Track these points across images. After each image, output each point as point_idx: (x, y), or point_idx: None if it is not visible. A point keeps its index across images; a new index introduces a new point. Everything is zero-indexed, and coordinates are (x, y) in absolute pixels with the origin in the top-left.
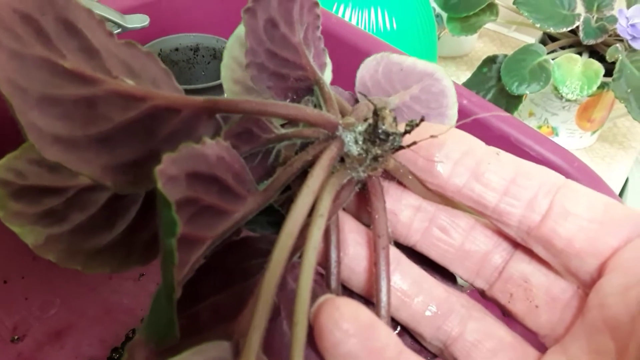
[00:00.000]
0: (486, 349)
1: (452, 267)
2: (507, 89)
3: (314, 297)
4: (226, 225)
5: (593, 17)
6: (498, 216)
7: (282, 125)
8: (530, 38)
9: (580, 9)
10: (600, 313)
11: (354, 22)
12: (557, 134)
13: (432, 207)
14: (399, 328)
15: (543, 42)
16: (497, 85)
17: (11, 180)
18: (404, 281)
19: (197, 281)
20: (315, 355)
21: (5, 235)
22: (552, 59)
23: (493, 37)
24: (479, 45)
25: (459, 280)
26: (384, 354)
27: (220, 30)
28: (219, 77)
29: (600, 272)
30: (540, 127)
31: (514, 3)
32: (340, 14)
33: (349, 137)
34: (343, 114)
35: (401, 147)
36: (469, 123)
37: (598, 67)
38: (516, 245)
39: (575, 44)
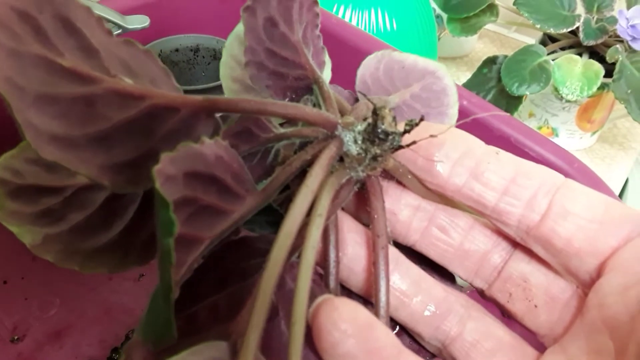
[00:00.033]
0: (485, 348)
1: (451, 267)
2: (507, 89)
3: (313, 297)
4: (224, 225)
5: (593, 18)
6: (497, 216)
7: (281, 125)
8: (531, 39)
9: (580, 9)
10: (599, 313)
11: (354, 23)
12: (557, 135)
13: (432, 207)
14: (397, 328)
15: (543, 43)
16: (497, 86)
17: (8, 179)
18: (403, 281)
19: (195, 281)
20: (313, 355)
21: (5, 236)
22: (552, 60)
23: (493, 37)
24: (479, 46)
25: (458, 280)
26: (382, 354)
27: (220, 31)
28: (219, 78)
29: (599, 272)
30: (540, 128)
31: (514, 4)
32: (340, 15)
33: (348, 137)
34: (342, 113)
35: (400, 147)
36: (469, 124)
37: (598, 68)
38: (515, 244)
39: (575, 45)
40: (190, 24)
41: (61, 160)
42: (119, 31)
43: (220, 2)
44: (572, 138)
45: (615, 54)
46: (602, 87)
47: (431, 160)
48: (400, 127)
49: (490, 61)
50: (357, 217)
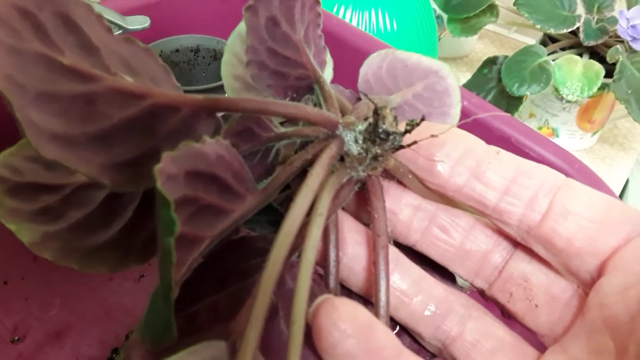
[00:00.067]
0: (485, 348)
1: (452, 267)
2: (508, 90)
3: (313, 296)
4: (225, 224)
5: (593, 18)
6: (498, 215)
7: (282, 124)
8: (531, 39)
9: (580, 10)
10: (600, 312)
11: (354, 23)
12: (557, 135)
13: (432, 207)
14: (397, 328)
15: (543, 43)
16: (498, 87)
17: (7, 176)
18: (403, 281)
19: (195, 281)
20: (313, 355)
21: (5, 236)
22: (553, 60)
23: (493, 38)
24: (479, 46)
25: (459, 280)
26: (382, 354)
27: (220, 31)
28: (219, 79)
29: (600, 272)
30: (540, 129)
31: (514, 4)
32: (340, 16)
33: (349, 136)
34: (343, 112)
35: (401, 147)
36: (469, 124)
37: (598, 68)
38: (516, 244)
39: (575, 45)
40: (191, 25)
41: (61, 158)
42: (120, 32)
43: (220, 2)
44: (572, 138)
45: (615, 54)
46: (603, 87)
47: (432, 160)
48: (401, 126)
49: (491, 61)
50: (357, 216)
